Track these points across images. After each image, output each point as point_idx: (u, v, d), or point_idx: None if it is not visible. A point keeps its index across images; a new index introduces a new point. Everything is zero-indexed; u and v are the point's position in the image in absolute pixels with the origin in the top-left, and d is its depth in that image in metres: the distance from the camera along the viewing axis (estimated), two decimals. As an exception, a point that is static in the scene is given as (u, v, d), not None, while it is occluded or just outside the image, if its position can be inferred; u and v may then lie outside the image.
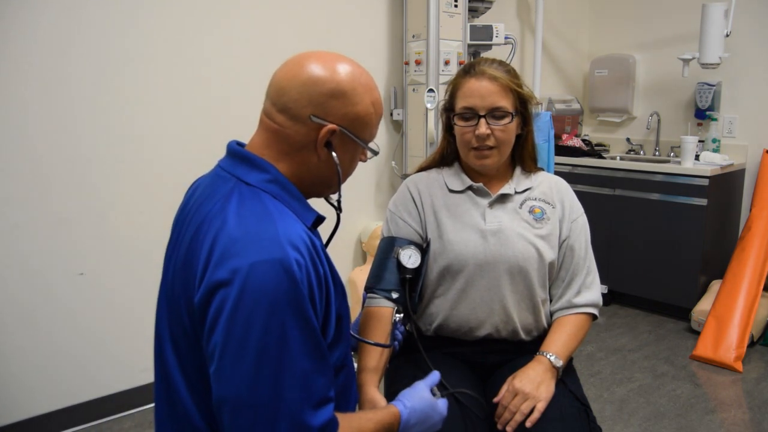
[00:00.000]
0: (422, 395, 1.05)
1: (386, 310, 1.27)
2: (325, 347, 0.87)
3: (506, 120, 1.28)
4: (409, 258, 1.28)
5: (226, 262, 0.82)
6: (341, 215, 1.04)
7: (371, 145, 1.01)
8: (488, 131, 1.27)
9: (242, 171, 0.93)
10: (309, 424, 0.81)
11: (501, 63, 1.32)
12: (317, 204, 1.01)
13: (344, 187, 1.01)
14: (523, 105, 1.32)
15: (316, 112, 0.91)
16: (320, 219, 0.97)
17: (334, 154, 0.94)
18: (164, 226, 1.11)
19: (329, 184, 1.00)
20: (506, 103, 1.28)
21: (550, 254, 1.32)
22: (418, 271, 1.29)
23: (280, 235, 0.84)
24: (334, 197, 1.05)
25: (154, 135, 2.25)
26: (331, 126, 0.92)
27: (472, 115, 1.28)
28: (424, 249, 1.31)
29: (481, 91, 1.27)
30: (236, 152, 0.96)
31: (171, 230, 1.01)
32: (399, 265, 1.28)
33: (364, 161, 1.04)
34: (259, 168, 0.92)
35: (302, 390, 0.82)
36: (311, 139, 0.93)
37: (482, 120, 1.27)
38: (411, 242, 1.31)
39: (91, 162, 2.12)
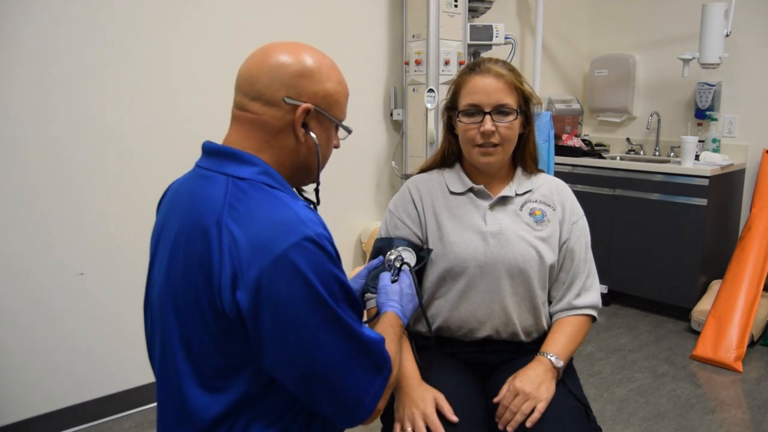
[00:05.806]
0: (388, 288, 1.12)
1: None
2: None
3: (511, 117, 1.29)
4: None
5: (260, 255, 0.82)
6: (319, 207, 1.05)
7: (344, 123, 1.03)
8: (493, 128, 1.27)
9: (231, 167, 0.93)
10: (378, 339, 0.94)
11: (504, 62, 1.33)
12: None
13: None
14: (526, 104, 1.32)
15: (288, 93, 0.93)
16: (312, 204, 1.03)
17: (312, 134, 0.97)
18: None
19: (309, 169, 1.01)
20: (511, 100, 1.28)
21: (550, 256, 1.32)
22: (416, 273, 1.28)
23: (301, 216, 0.86)
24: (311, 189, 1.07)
25: (153, 135, 2.25)
26: (305, 105, 0.94)
27: (476, 111, 1.29)
28: (423, 254, 1.31)
29: (487, 88, 1.27)
30: (218, 150, 0.96)
31: (153, 238, 1.01)
32: None
33: (338, 146, 1.06)
34: (248, 162, 0.93)
35: (362, 330, 0.91)
36: (288, 122, 0.94)
37: (487, 117, 1.27)
38: (408, 243, 1.31)
39: (88, 162, 2.11)
